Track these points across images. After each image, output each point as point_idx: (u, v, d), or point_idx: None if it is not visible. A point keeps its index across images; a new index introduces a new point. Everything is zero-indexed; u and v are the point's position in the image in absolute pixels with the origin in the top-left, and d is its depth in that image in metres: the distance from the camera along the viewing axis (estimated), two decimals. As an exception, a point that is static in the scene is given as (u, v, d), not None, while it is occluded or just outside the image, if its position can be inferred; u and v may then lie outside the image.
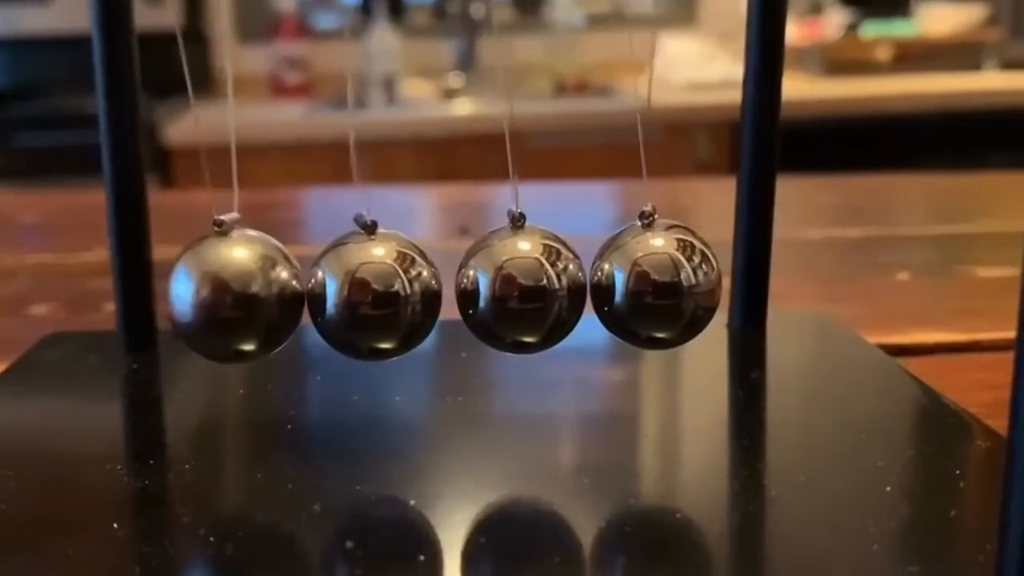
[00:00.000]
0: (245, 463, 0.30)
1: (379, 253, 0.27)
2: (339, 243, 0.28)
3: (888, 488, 0.26)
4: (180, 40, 0.29)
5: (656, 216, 0.29)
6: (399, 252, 0.27)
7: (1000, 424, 0.25)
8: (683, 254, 0.28)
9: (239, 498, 0.27)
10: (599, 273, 0.28)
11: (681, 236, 0.28)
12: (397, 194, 0.88)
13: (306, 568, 0.24)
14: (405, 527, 0.25)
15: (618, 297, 0.28)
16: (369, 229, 0.28)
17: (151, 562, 0.24)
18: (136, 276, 0.36)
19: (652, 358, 0.36)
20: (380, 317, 0.27)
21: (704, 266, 0.28)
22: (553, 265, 0.27)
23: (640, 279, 0.28)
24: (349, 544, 0.24)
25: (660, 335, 0.29)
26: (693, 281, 0.28)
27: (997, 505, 0.20)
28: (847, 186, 0.83)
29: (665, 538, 0.25)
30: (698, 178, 1.50)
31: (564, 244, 0.28)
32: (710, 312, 0.28)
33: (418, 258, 0.28)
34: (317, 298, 0.27)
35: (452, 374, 0.35)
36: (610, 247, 0.29)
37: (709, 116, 1.68)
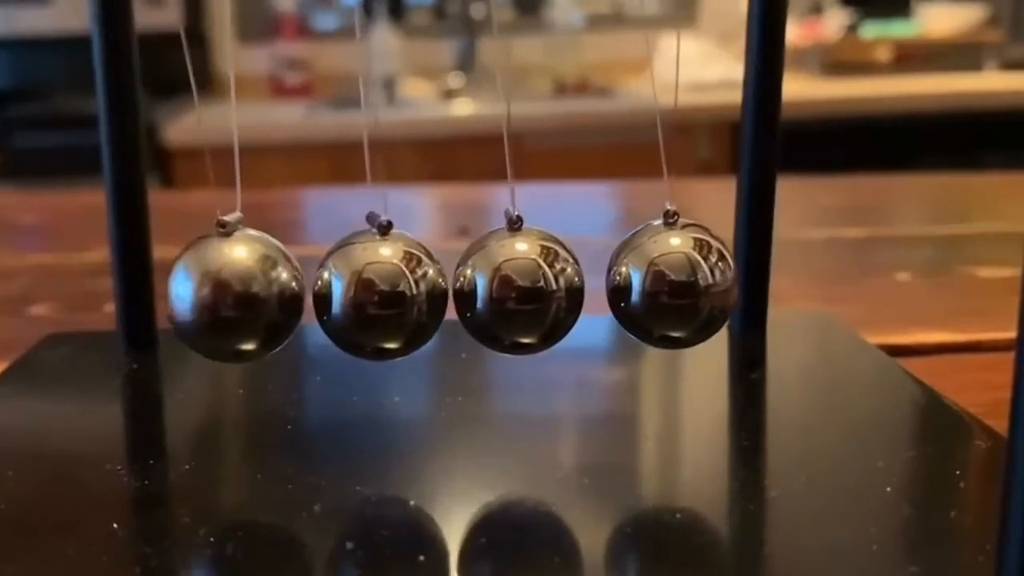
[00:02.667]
0: (245, 463, 0.30)
1: (386, 253, 0.27)
2: (347, 242, 0.28)
3: (888, 488, 0.26)
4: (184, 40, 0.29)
5: (679, 216, 0.29)
6: (406, 252, 0.27)
7: (1000, 424, 0.25)
8: (700, 254, 0.28)
9: (239, 498, 0.27)
10: (617, 273, 0.29)
11: (699, 236, 0.28)
12: (397, 194, 0.88)
13: (306, 569, 0.24)
14: (405, 528, 0.25)
15: (635, 296, 0.28)
16: (383, 229, 0.28)
17: (151, 562, 0.24)
18: (136, 276, 0.36)
19: (653, 359, 0.36)
20: (386, 317, 0.27)
21: (721, 265, 0.28)
22: (551, 266, 0.27)
23: (656, 279, 0.28)
24: (349, 545, 0.24)
25: (675, 334, 0.29)
26: (711, 280, 0.28)
27: (997, 505, 0.20)
28: (847, 186, 0.83)
29: (665, 538, 0.25)
30: (699, 178, 1.50)
31: (562, 245, 0.28)
32: (725, 313, 0.28)
33: (424, 258, 0.28)
34: (323, 297, 0.28)
35: (452, 374, 0.35)
36: (627, 247, 0.29)
37: (710, 116, 1.68)
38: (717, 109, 1.66)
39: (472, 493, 0.26)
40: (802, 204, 0.73)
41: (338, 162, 1.57)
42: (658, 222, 0.29)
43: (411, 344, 0.28)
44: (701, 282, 0.28)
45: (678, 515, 0.26)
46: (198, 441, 0.31)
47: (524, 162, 1.63)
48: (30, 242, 0.71)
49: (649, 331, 0.29)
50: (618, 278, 0.28)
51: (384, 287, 0.27)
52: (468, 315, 0.28)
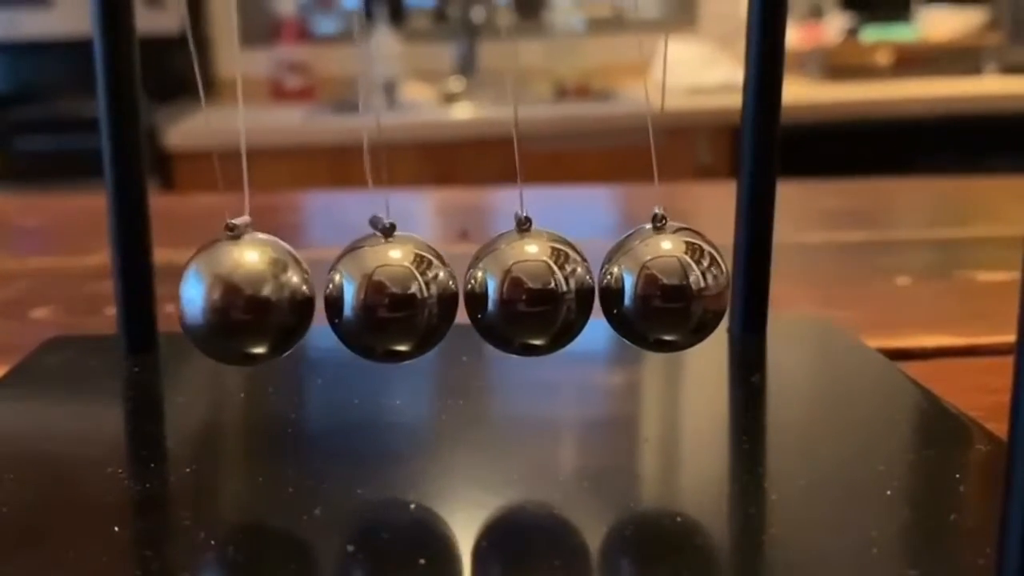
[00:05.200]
0: (246, 466, 0.30)
1: (396, 256, 0.28)
2: (356, 246, 0.28)
3: (888, 492, 0.26)
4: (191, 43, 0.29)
5: (667, 219, 0.29)
6: (416, 255, 0.28)
7: (1000, 428, 0.25)
8: (692, 257, 0.28)
9: (240, 501, 0.27)
10: (608, 276, 0.29)
11: (690, 239, 0.28)
12: (397, 197, 0.88)
13: (307, 572, 0.24)
14: (406, 531, 0.25)
15: (627, 300, 0.28)
16: (387, 232, 0.28)
17: (152, 565, 0.24)
18: (137, 279, 0.36)
19: (653, 362, 0.36)
20: (397, 320, 0.27)
21: (714, 269, 0.28)
22: (561, 268, 0.28)
23: (649, 282, 0.28)
24: (350, 548, 0.24)
25: (669, 338, 0.29)
26: (703, 284, 0.28)
27: (997, 509, 0.20)
28: (847, 190, 0.83)
29: (666, 542, 0.25)
30: (698, 182, 1.50)
31: (571, 247, 0.28)
32: (719, 316, 0.29)
33: (435, 260, 0.28)
34: (334, 301, 0.28)
35: (453, 378, 0.35)
36: (619, 250, 0.29)
37: (710, 120, 1.68)
38: (717, 113, 1.66)
39: (473, 496, 0.26)
40: (802, 208, 0.73)
41: (338, 166, 1.57)
42: (648, 226, 0.29)
43: (423, 346, 0.28)
44: (693, 285, 0.28)
45: (678, 518, 0.26)
46: (199, 444, 0.31)
47: (524, 166, 1.63)
48: (31, 246, 0.71)
49: (643, 335, 0.29)
50: (609, 278, 0.29)
51: (395, 289, 0.27)
52: (479, 317, 0.28)
